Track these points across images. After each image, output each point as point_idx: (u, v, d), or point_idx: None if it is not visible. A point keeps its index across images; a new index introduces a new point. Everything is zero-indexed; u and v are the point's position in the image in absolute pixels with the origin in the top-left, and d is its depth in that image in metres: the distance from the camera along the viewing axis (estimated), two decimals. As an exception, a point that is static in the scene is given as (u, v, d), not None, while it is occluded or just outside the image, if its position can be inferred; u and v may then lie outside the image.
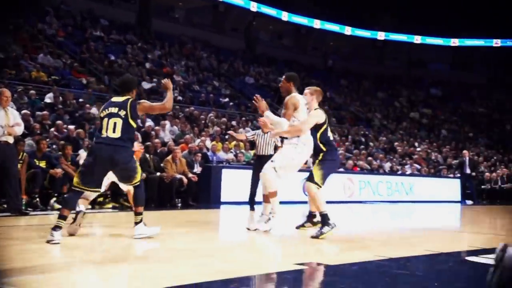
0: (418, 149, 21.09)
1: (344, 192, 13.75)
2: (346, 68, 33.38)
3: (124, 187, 5.78)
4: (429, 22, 32.11)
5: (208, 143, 13.03)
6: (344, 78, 32.08)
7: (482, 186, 17.75)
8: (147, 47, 22.32)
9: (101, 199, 8.91)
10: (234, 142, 13.59)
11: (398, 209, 12.80)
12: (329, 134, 6.02)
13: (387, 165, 16.96)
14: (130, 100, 5.25)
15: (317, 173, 5.81)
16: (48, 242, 4.73)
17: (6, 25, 17.10)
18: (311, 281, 3.79)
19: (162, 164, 10.25)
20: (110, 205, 9.03)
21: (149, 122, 13.26)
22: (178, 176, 10.14)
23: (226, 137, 14.01)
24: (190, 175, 10.36)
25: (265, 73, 26.52)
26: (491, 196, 17.60)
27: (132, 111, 5.15)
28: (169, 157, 10.31)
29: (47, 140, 9.75)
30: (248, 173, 9.77)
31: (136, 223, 5.25)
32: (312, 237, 5.58)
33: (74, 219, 5.44)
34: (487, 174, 18.37)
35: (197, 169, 11.12)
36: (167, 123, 13.58)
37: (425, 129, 27.72)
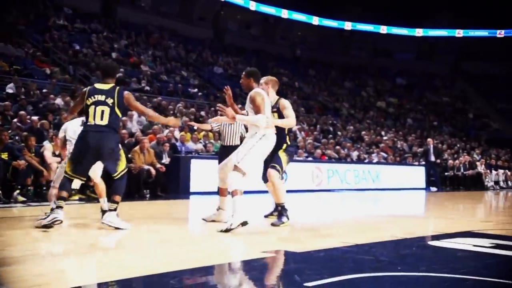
0: (385, 137, 21.47)
1: (313, 180, 13.91)
2: (313, 57, 33.59)
3: (95, 176, 5.72)
4: (395, 13, 32.58)
5: (177, 133, 12.93)
6: (312, 68, 32.29)
7: (446, 173, 18.25)
8: (113, 36, 21.90)
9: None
10: (203, 133, 13.53)
11: (365, 196, 13.04)
12: None
13: (354, 154, 17.22)
14: (117, 88, 5.27)
15: (284, 160, 5.84)
16: (52, 221, 5.00)
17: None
18: (278, 268, 3.83)
19: (129, 155, 10.13)
20: (76, 197, 8.88)
21: (116, 113, 13.05)
22: (146, 167, 10.05)
23: (195, 128, 13.94)
24: (158, 165, 10.29)
25: (234, 63, 26.43)
26: (454, 183, 18.14)
27: (120, 100, 5.21)
28: (137, 148, 10.21)
29: (9, 131, 9.49)
30: (217, 163, 9.78)
31: (110, 210, 5.28)
32: (273, 224, 5.68)
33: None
34: (450, 161, 18.89)
35: (166, 159, 11.04)
36: (135, 114, 13.40)
37: (391, 118, 28.22)
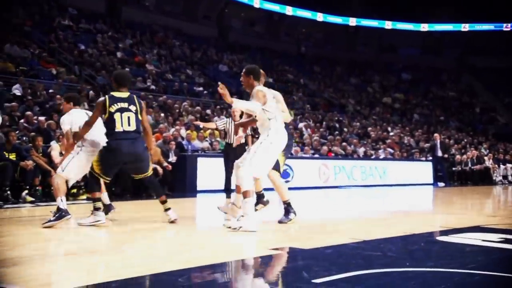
0: (391, 133, 21.41)
1: (320, 177, 13.89)
2: (319, 54, 33.50)
3: None
4: (400, 8, 32.43)
5: (183, 132, 12.95)
6: (317, 65, 32.21)
7: (453, 168, 18.17)
8: (118, 36, 21.94)
9: (74, 190, 8.80)
10: (209, 131, 13.53)
11: (373, 193, 13.01)
12: None
13: (361, 150, 17.18)
14: (135, 96, 5.61)
15: (282, 160, 5.80)
16: (94, 223, 5.33)
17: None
18: (286, 265, 3.83)
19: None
20: (84, 196, 8.92)
21: (122, 112, 13.08)
22: (153, 165, 10.04)
23: (201, 126, 13.95)
24: (165, 164, 10.30)
25: (239, 61, 26.40)
26: (462, 178, 18.06)
27: (140, 107, 5.50)
28: (143, 147, 10.21)
29: (17, 132, 9.55)
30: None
31: (166, 210, 5.67)
32: (280, 222, 5.64)
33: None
34: (457, 156, 18.81)
35: (172, 158, 11.06)
36: (141, 113, 13.42)
37: (397, 113, 28.12)
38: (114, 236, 4.95)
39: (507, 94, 32.02)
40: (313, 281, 2.97)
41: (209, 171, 11.12)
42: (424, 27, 34.72)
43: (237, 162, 5.40)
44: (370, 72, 33.78)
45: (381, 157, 17.17)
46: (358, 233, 5.00)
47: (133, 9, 26.23)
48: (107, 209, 5.96)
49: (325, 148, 15.43)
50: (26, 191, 8.32)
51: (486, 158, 18.81)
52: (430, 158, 17.02)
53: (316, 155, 15.00)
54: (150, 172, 5.66)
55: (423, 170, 16.84)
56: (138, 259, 3.76)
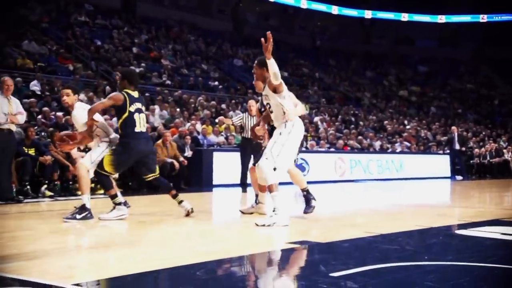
0: (408, 126, 21.22)
1: (336, 171, 13.84)
2: (334, 47, 33.28)
3: None
4: (416, -1, 32.05)
5: (198, 126, 12.99)
6: (332, 58, 32.00)
7: (472, 161, 17.95)
8: (133, 32, 22.06)
9: (92, 185, 8.87)
10: (224, 125, 13.56)
11: (389, 186, 12.92)
12: None
13: (377, 144, 17.06)
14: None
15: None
16: (118, 217, 5.44)
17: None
18: (303, 258, 3.83)
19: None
20: (101, 191, 9.00)
21: (138, 107, 13.17)
22: (169, 160, 10.12)
23: (216, 120, 13.99)
24: (181, 159, 10.35)
25: (254, 55, 26.32)
26: (480, 171, 17.84)
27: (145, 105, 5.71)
28: (160, 142, 10.29)
29: (35, 127, 9.67)
30: (239, 155, 9.81)
31: (180, 202, 5.70)
32: (306, 212, 5.59)
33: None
34: (476, 149, 18.57)
35: (188, 152, 11.11)
36: (157, 108, 13.51)
37: (414, 106, 27.84)
38: (131, 230, 4.99)
39: (527, 86, 31.48)
40: (330, 274, 2.96)
41: (225, 165, 11.15)
42: (441, 18, 34.26)
43: (259, 162, 5.32)
44: (386, 65, 33.46)
45: (397, 150, 17.04)
46: (374, 227, 4.97)
47: (148, 4, 26.34)
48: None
49: (341, 142, 15.36)
50: (45, 186, 8.43)
51: (505, 151, 18.53)
52: (448, 151, 16.82)
53: (332, 149, 14.94)
54: (158, 172, 5.74)
55: (441, 163, 16.67)
56: (156, 253, 3.79)
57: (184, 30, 25.40)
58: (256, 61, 5.52)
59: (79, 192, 5.67)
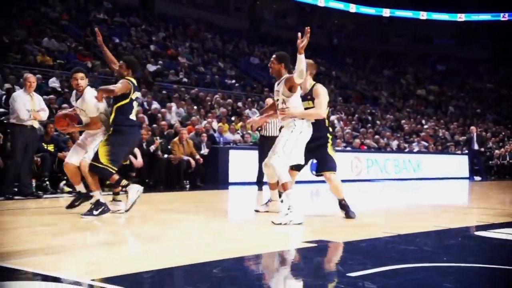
0: (425, 126, 21.01)
1: (352, 170, 13.75)
2: (351, 46, 33.05)
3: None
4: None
5: (215, 124, 13.02)
6: (349, 56, 31.80)
7: (491, 162, 17.69)
8: (151, 29, 22.18)
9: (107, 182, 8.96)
10: (240, 123, 13.57)
11: (406, 186, 12.81)
12: None
13: (394, 143, 16.92)
14: None
15: (335, 156, 5.50)
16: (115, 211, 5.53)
17: (10, 8, 17.11)
18: (320, 258, 3.81)
19: (169, 146, 10.29)
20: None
21: (155, 105, 13.27)
22: (186, 157, 10.17)
23: (232, 118, 14.01)
24: (197, 156, 10.39)
25: (270, 53, 26.24)
26: (499, 172, 17.57)
27: None
28: (176, 139, 10.34)
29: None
30: (256, 153, 9.83)
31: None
32: (349, 217, 5.45)
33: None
34: (495, 150, 18.30)
35: (204, 150, 11.14)
36: (173, 105, 13.57)
37: (432, 106, 27.55)
38: (148, 227, 5.03)
39: (548, 86, 30.90)
40: (348, 274, 2.95)
41: (241, 163, 11.16)
42: (461, 17, 33.80)
43: (266, 160, 5.31)
44: (404, 63, 33.15)
45: (415, 150, 16.88)
46: (391, 227, 4.94)
47: (165, 2, 26.47)
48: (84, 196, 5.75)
49: (357, 141, 15.26)
50: (64, 182, 8.53)
51: (525, 151, 18.23)
52: (466, 151, 16.61)
53: (349, 148, 14.85)
54: None
55: (459, 163, 16.46)
56: (172, 250, 3.81)
57: (201, 28, 25.47)
58: (274, 55, 5.48)
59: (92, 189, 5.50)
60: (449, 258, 3.58)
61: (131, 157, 8.74)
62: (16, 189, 7.48)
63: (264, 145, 9.22)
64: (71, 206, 5.71)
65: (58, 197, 7.87)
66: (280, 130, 7.97)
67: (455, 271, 3.20)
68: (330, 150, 5.47)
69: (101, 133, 5.58)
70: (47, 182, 8.21)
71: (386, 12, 33.52)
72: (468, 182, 15.13)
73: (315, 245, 4.03)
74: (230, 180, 11.13)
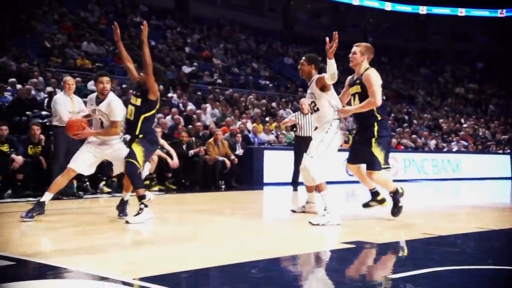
0: (465, 125, 20.48)
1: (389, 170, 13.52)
2: (386, 44, 32.49)
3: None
4: (474, -7, 30.84)
5: (249, 125, 13.06)
6: (384, 55, 31.30)
7: (534, 162, 17.08)
8: (186, 32, 22.45)
9: (147, 182, 9.11)
10: (274, 124, 13.56)
11: (445, 187, 12.51)
12: None
13: (432, 143, 16.57)
14: None
15: (380, 155, 5.12)
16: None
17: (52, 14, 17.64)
18: (358, 259, 3.76)
19: (204, 147, 10.38)
20: (156, 188, 9.23)
21: (191, 106, 13.41)
22: (221, 158, 10.23)
23: (267, 119, 14.02)
24: (232, 157, 10.44)
25: (304, 53, 26.10)
26: (544, 172, 16.93)
27: None
28: (211, 140, 10.42)
29: (94, 125, 9.99)
30: (290, 154, 9.80)
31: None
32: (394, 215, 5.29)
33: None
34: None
35: (239, 151, 11.19)
36: (208, 106, 13.69)
37: (471, 104, 26.85)
38: (185, 227, 5.08)
39: None
40: (389, 276, 2.90)
41: (276, 164, 11.15)
42: (502, 12, 32.76)
43: (305, 160, 5.27)
44: (442, 61, 32.40)
45: (454, 150, 16.47)
46: (431, 228, 4.83)
47: (200, 4, 26.73)
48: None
49: (394, 140, 14.98)
50: (103, 182, 8.72)
51: None
52: (508, 151, 16.10)
53: (385, 148, 14.61)
54: None
55: (501, 163, 15.97)
56: (209, 250, 3.83)
57: (235, 29, 25.60)
58: (304, 57, 5.50)
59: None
60: (492, 260, 3.47)
61: (167, 157, 8.87)
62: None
63: (299, 145, 9.22)
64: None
65: (98, 197, 8.05)
66: (315, 130, 7.90)
67: (499, 274, 3.10)
68: (374, 147, 5.08)
69: (117, 139, 5.49)
70: (87, 183, 8.42)
71: (423, 10, 32.84)
72: (511, 182, 14.66)
73: (353, 246, 3.98)
74: (265, 180, 11.13)
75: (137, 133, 5.26)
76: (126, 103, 13.33)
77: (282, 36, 28.24)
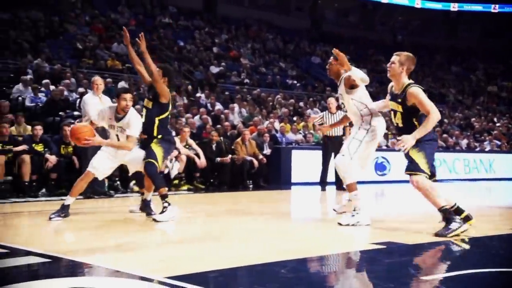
0: (498, 124, 19.98)
1: (418, 170, 13.30)
2: (416, 42, 31.97)
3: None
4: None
5: (277, 124, 13.05)
6: (414, 53, 30.51)
7: None
8: (214, 32, 22.59)
9: (176, 181, 9.20)
10: (302, 123, 13.51)
11: (477, 187, 12.24)
12: None
13: (463, 142, 16.22)
14: None
15: (420, 159, 4.54)
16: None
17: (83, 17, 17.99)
18: (389, 260, 3.70)
19: (232, 147, 10.41)
20: (185, 187, 9.31)
21: (219, 106, 13.48)
22: (249, 158, 10.25)
23: (294, 118, 13.98)
24: (260, 156, 10.44)
25: (332, 52, 26.02)
26: None
27: None
28: (239, 139, 10.44)
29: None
30: (318, 153, 9.75)
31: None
32: (436, 234, 4.31)
33: None
34: None
35: (267, 150, 11.18)
36: (236, 106, 13.73)
37: (504, 103, 26.18)
38: (214, 226, 5.10)
39: None
40: (421, 278, 2.85)
41: (304, 163, 11.10)
42: (536, 8, 31.85)
43: (336, 158, 5.23)
44: (473, 59, 31.69)
45: (486, 149, 16.08)
46: (465, 230, 4.71)
47: (228, 5, 26.85)
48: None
49: (424, 140, 14.75)
50: (133, 182, 8.83)
51: None
52: (544, 150, 15.63)
53: (415, 148, 14.39)
54: None
55: (536, 163, 15.50)
56: (238, 249, 3.84)
57: (263, 29, 25.61)
58: (332, 56, 5.41)
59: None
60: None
61: (195, 157, 8.93)
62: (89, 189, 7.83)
63: (327, 144, 9.17)
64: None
65: (128, 196, 8.18)
66: (343, 130, 7.79)
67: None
68: (411, 150, 4.52)
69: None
70: (118, 182, 8.55)
71: (454, 7, 32.19)
72: (546, 183, 14.23)
73: (384, 247, 3.93)
74: (293, 180, 11.09)
75: (155, 134, 5.39)
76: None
77: (309, 35, 28.11)
